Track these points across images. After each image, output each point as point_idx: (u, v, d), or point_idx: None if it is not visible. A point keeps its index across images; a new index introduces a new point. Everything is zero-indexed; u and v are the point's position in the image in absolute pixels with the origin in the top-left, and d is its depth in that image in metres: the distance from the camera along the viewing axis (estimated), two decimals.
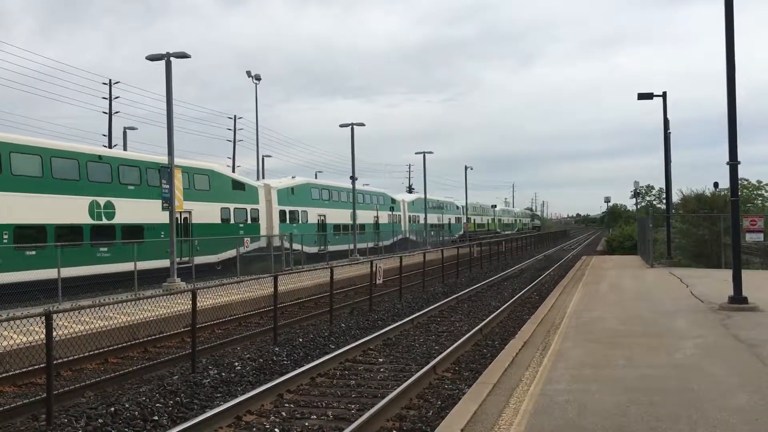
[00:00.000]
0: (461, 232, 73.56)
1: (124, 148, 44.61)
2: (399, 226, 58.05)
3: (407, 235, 57.30)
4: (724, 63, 13.75)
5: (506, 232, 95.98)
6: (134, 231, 26.26)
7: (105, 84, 47.77)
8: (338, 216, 44.81)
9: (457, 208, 79.51)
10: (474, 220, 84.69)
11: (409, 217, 62.42)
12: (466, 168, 73.75)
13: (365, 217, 49.67)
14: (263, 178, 49.24)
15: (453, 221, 76.76)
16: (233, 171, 43.21)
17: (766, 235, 22.06)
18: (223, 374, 10.60)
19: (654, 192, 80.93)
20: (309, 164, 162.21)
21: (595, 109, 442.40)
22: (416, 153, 55.79)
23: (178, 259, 26.41)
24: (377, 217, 53.16)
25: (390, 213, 56.93)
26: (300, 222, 40.37)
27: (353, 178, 40.52)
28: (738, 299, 13.74)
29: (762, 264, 27.43)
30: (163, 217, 25.20)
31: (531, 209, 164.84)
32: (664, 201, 34.04)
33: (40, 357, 10.19)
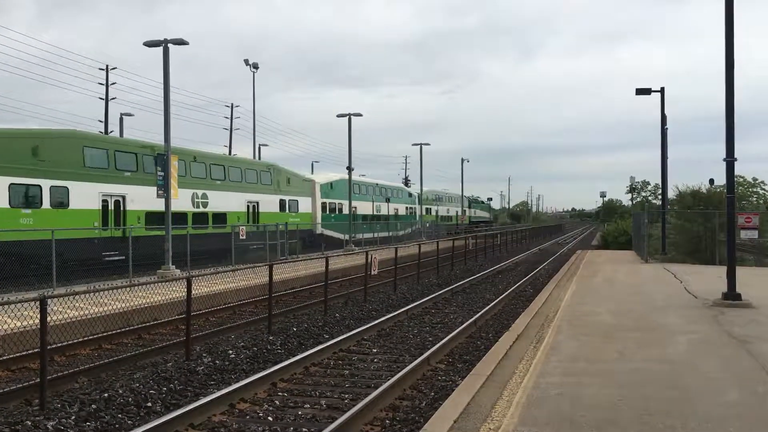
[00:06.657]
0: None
1: (120, 135, 44.62)
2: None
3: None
4: (723, 61, 13.78)
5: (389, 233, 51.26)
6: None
7: (102, 69, 47.47)
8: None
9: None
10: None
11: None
12: (462, 161, 73.64)
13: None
14: None
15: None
16: None
17: (760, 232, 22.13)
18: (217, 362, 10.61)
19: (650, 187, 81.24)
20: (306, 154, 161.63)
21: (593, 103, 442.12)
22: (413, 144, 56.41)
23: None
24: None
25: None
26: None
27: (350, 169, 40.60)
28: (732, 296, 13.80)
29: (756, 261, 27.57)
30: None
31: (473, 196, 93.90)
32: (660, 197, 34.13)
33: (34, 342, 10.18)
